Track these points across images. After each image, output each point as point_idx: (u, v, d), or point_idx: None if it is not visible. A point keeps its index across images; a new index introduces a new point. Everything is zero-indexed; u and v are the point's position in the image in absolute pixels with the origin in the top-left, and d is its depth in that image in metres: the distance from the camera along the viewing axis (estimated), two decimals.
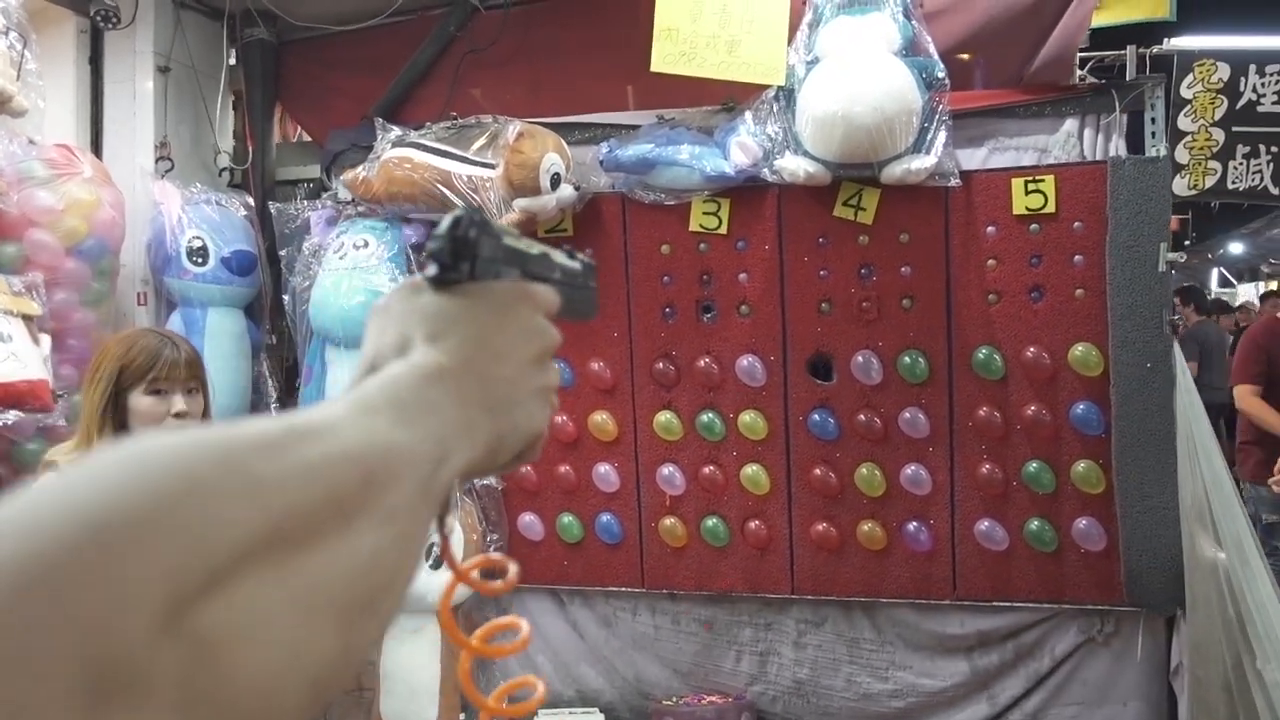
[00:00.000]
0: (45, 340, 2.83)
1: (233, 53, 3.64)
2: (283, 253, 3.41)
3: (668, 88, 3.09)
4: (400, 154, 3.17)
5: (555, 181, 3.04)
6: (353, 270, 3.17)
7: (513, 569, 0.69)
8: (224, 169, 3.69)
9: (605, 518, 3.28)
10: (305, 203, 3.44)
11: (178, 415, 2.04)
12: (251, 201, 3.54)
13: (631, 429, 3.26)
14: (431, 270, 0.60)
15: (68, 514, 0.33)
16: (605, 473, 3.27)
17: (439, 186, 3.10)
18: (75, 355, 3.05)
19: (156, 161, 3.43)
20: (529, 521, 3.37)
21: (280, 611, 0.37)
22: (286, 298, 3.39)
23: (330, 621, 0.40)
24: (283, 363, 3.67)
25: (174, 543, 0.34)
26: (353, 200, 3.29)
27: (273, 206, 3.45)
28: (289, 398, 3.62)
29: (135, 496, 0.34)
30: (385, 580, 0.44)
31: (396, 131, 3.24)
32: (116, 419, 2.03)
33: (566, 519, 3.32)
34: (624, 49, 3.19)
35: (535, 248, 0.65)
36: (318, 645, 0.39)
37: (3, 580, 0.30)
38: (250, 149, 3.65)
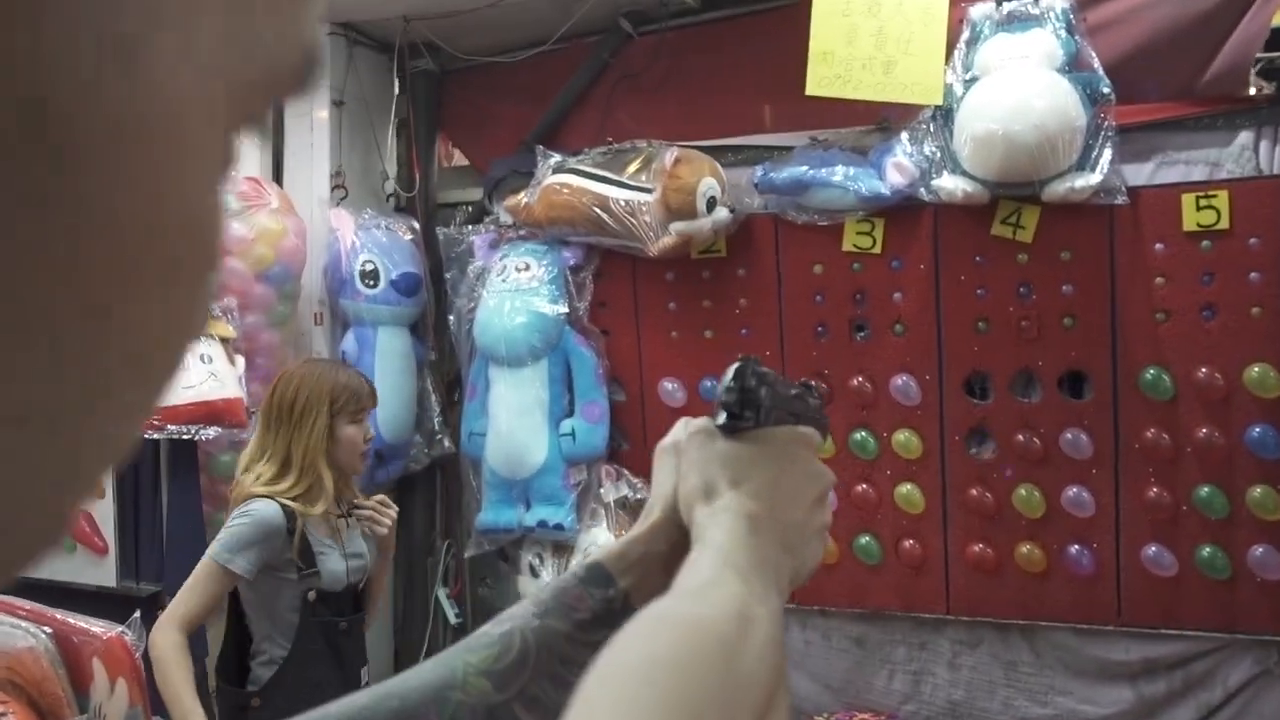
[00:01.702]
0: (240, 361, 3.06)
1: (398, 83, 3.84)
2: (448, 275, 3.58)
3: (820, 109, 3.11)
4: (559, 180, 3.29)
5: (711, 204, 3.10)
6: (515, 292, 3.31)
7: None
8: (390, 194, 3.89)
9: None
10: (469, 227, 3.60)
11: (368, 440, 2.43)
12: (416, 225, 3.73)
13: None
14: (722, 419, 0.69)
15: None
16: None
17: (596, 210, 3.21)
18: (262, 373, 3.27)
19: (332, 190, 3.65)
20: None
21: None
22: (451, 318, 3.55)
23: None
24: (444, 378, 3.85)
25: None
26: (514, 224, 3.43)
27: (439, 231, 3.62)
28: (450, 410, 3.80)
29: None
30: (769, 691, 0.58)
31: (556, 158, 3.36)
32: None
33: None
34: (776, 71, 3.23)
35: (794, 387, 0.74)
36: None
37: None
38: (416, 175, 3.84)
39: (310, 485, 2.37)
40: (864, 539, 3.21)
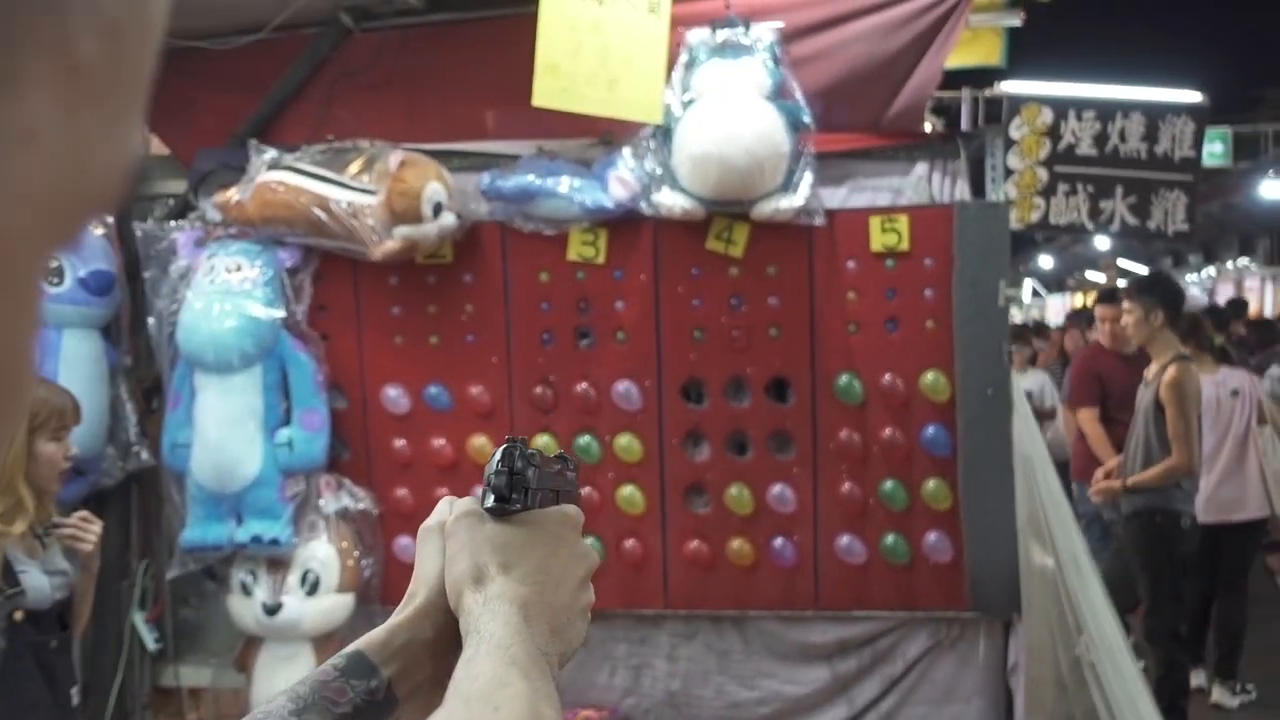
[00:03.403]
0: None
1: None
2: (147, 274, 3.31)
3: (546, 119, 3.16)
4: (275, 177, 3.13)
5: (437, 210, 3.07)
6: (225, 294, 3.11)
7: None
8: None
9: None
10: (171, 223, 3.34)
11: (69, 457, 2.33)
12: (109, 218, 3.41)
13: None
14: (491, 502, 0.69)
15: None
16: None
17: (316, 211, 3.08)
18: None
19: None
20: (405, 545, 3.38)
21: None
22: (151, 321, 3.29)
23: None
24: (141, 385, 3.54)
25: None
26: (224, 222, 3.22)
27: (138, 228, 3.34)
28: (149, 419, 3.51)
29: None
30: None
31: (271, 153, 3.20)
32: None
33: None
34: (504, 79, 3.25)
35: (555, 463, 0.74)
36: None
37: None
38: None
39: (9, 505, 2.25)
40: (588, 540, 3.29)
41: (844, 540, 3.21)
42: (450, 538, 0.70)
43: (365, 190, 3.09)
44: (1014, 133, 3.38)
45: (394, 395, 3.33)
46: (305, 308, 3.27)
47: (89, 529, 2.42)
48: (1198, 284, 18.22)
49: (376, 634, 0.72)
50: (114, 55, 0.26)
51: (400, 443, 3.35)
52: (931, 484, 3.16)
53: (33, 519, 2.32)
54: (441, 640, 0.71)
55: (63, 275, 3.19)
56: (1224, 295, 16.49)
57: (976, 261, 3.10)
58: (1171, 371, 4.26)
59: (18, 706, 2.22)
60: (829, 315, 3.19)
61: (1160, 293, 4.37)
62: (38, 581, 2.33)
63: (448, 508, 0.74)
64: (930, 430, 3.16)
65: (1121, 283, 11.41)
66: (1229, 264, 18.05)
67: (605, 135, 3.23)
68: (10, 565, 2.27)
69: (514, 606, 0.65)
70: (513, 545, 0.68)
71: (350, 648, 0.72)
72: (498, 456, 0.69)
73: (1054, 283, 24.67)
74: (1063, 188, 3.48)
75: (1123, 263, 18.33)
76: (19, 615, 2.27)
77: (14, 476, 2.25)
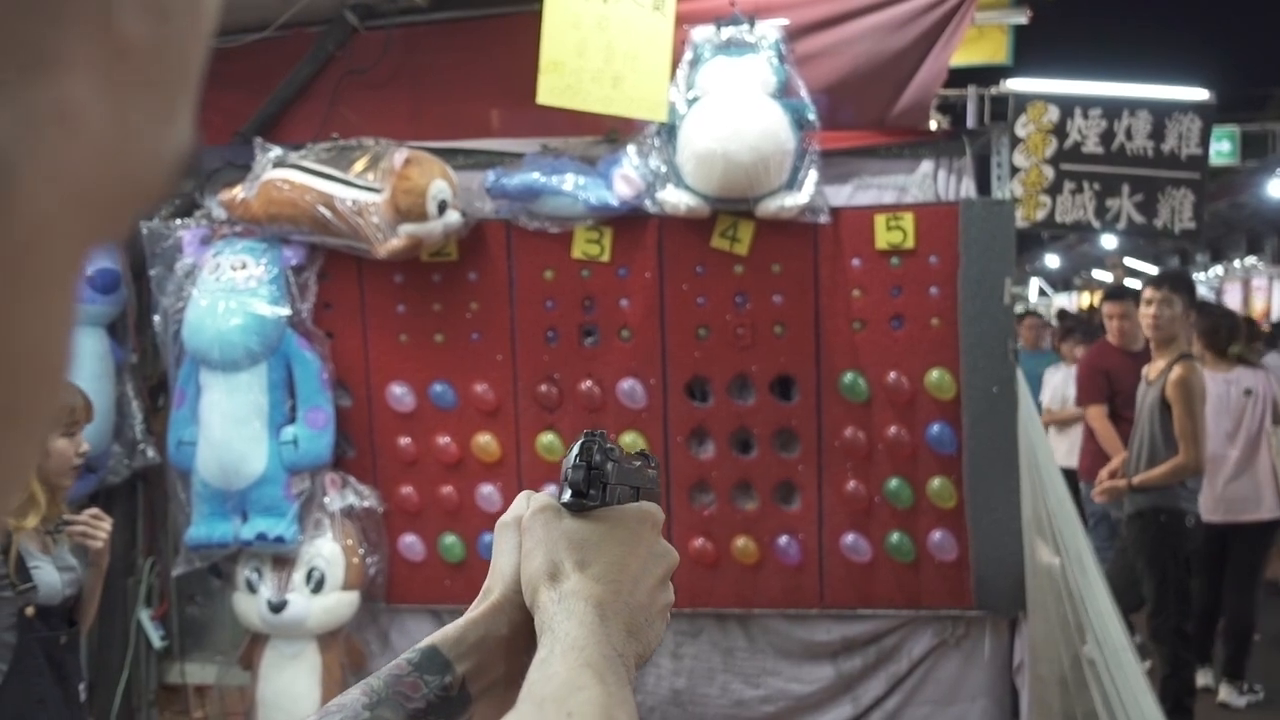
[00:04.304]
0: None
1: None
2: (152, 272, 3.31)
3: (551, 116, 3.16)
4: (280, 175, 3.13)
5: (442, 208, 3.07)
6: (230, 292, 3.12)
7: None
8: None
9: (488, 538, 3.33)
10: (177, 221, 3.35)
11: (81, 454, 2.36)
12: None
13: (515, 450, 3.32)
14: (568, 496, 0.67)
15: None
16: (489, 493, 3.33)
17: (321, 209, 3.08)
18: None
19: None
20: (410, 543, 3.39)
21: None
22: (156, 319, 3.29)
23: None
24: (147, 382, 3.55)
25: None
26: (229, 220, 3.23)
27: (143, 225, 3.34)
28: (154, 417, 3.52)
29: None
30: None
31: (276, 151, 3.20)
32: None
33: (449, 540, 3.36)
34: (508, 77, 3.26)
35: (635, 459, 0.72)
36: None
37: None
38: None
39: (21, 500, 2.24)
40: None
41: (849, 538, 3.21)
42: (526, 533, 0.69)
43: (370, 188, 3.09)
44: (1020, 130, 3.37)
45: (399, 393, 3.34)
46: (310, 306, 3.27)
47: (100, 526, 2.45)
48: (1204, 283, 18.16)
49: (451, 629, 0.71)
50: (162, 39, 0.25)
51: (405, 440, 3.36)
52: (937, 482, 3.16)
53: (44, 514, 2.35)
54: (517, 638, 0.69)
55: None
56: (1231, 294, 16.43)
57: (982, 259, 3.09)
58: (1178, 370, 4.24)
59: (27, 701, 2.24)
60: (834, 313, 3.18)
61: (1191, 290, 4.37)
62: (50, 577, 2.35)
63: (525, 502, 0.72)
64: (935, 428, 3.15)
65: (1129, 282, 11.38)
66: (1236, 263, 17.99)
67: (610, 133, 3.23)
68: (23, 560, 2.29)
69: (590, 605, 0.64)
70: (589, 542, 0.67)
71: (425, 642, 0.70)
72: (575, 450, 0.67)
73: (1061, 282, 24.61)
74: (1069, 186, 3.47)
75: (1130, 262, 18.29)
76: (30, 611, 2.28)
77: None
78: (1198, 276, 18.42)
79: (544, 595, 0.66)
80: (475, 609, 0.71)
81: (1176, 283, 4.40)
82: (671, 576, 0.72)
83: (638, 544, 0.69)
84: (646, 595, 0.68)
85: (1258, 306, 14.92)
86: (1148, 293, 4.35)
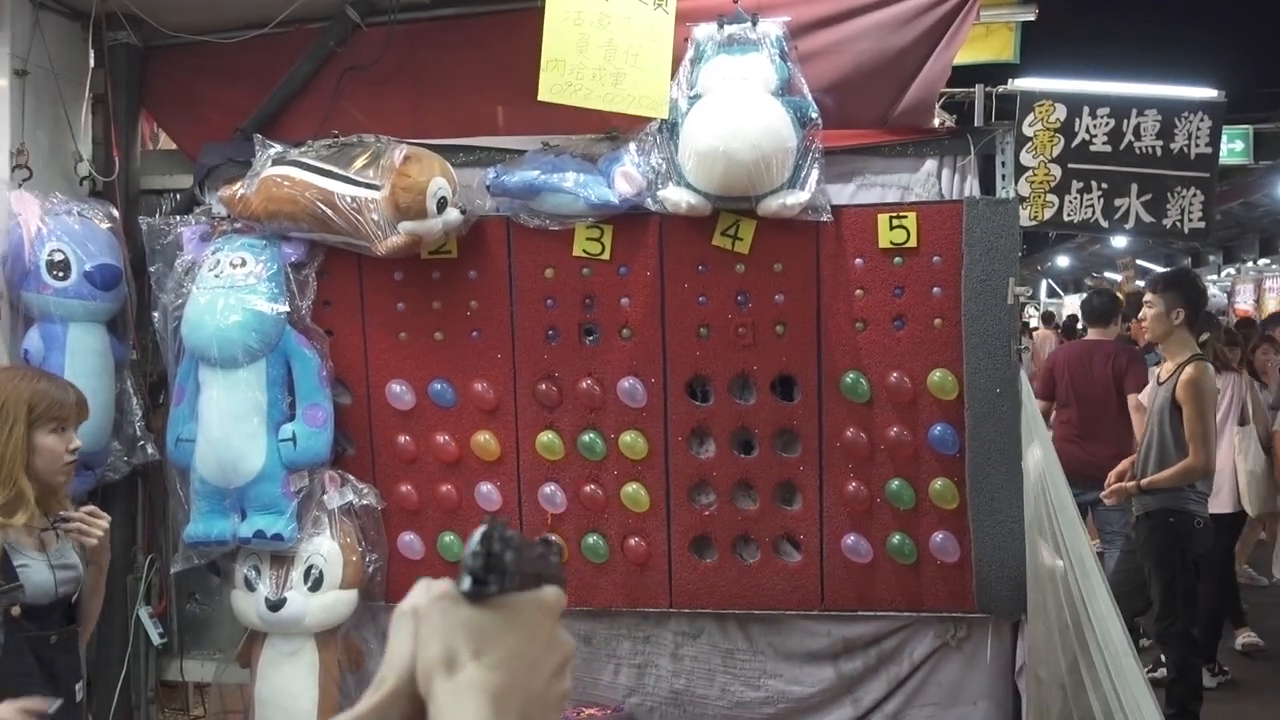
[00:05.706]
0: None
1: (94, 56, 3.50)
2: (152, 268, 3.31)
3: (552, 113, 3.14)
4: (280, 171, 3.12)
5: (441, 205, 3.05)
6: (229, 289, 3.10)
7: None
8: (84, 178, 3.53)
9: None
10: (177, 217, 3.34)
11: (72, 450, 2.37)
12: (115, 212, 3.41)
13: (514, 449, 3.31)
14: (467, 584, 0.66)
15: None
16: (488, 492, 3.31)
17: (320, 205, 3.07)
18: None
19: (13, 170, 3.27)
20: (409, 541, 3.37)
21: None
22: (156, 315, 3.29)
23: None
24: (147, 379, 3.55)
25: None
26: (229, 216, 3.22)
27: (143, 221, 3.34)
28: (154, 414, 3.51)
29: None
30: None
31: (276, 148, 3.19)
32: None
33: (448, 538, 3.34)
34: (508, 74, 3.24)
35: (537, 546, 0.72)
36: None
37: None
38: (115, 158, 3.51)
39: (9, 497, 2.28)
40: (592, 538, 3.28)
41: (850, 539, 3.18)
42: (423, 621, 0.68)
43: (370, 185, 3.07)
44: (1027, 129, 3.34)
45: (398, 391, 3.32)
46: (310, 303, 3.26)
47: (95, 523, 2.43)
48: (1216, 284, 18.04)
49: (342, 719, 0.70)
50: None
51: (404, 438, 3.34)
52: (939, 483, 3.13)
53: (34, 511, 2.34)
54: None
55: (69, 269, 3.20)
56: (1243, 296, 16.32)
57: (985, 259, 3.06)
58: (1190, 371, 4.21)
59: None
60: (836, 312, 3.16)
61: (1184, 290, 4.33)
62: (40, 576, 2.33)
63: (424, 590, 0.71)
64: (938, 429, 3.12)
65: (1140, 284, 11.33)
66: (1249, 264, 17.87)
67: (611, 130, 3.20)
68: (8, 559, 2.27)
69: (485, 697, 0.63)
70: (486, 630, 0.66)
71: None
72: (476, 538, 0.67)
73: (1071, 283, 24.51)
74: (1076, 185, 3.43)
75: (1141, 262, 18.18)
76: (15, 610, 2.27)
77: (14, 468, 2.27)
78: (1209, 278, 18.31)
79: (438, 685, 0.65)
80: (368, 699, 0.70)
81: (1161, 284, 4.39)
82: (567, 667, 0.71)
83: (536, 632, 0.68)
84: (543, 683, 0.68)
85: (1270, 307, 14.82)
86: (1146, 296, 4.47)
